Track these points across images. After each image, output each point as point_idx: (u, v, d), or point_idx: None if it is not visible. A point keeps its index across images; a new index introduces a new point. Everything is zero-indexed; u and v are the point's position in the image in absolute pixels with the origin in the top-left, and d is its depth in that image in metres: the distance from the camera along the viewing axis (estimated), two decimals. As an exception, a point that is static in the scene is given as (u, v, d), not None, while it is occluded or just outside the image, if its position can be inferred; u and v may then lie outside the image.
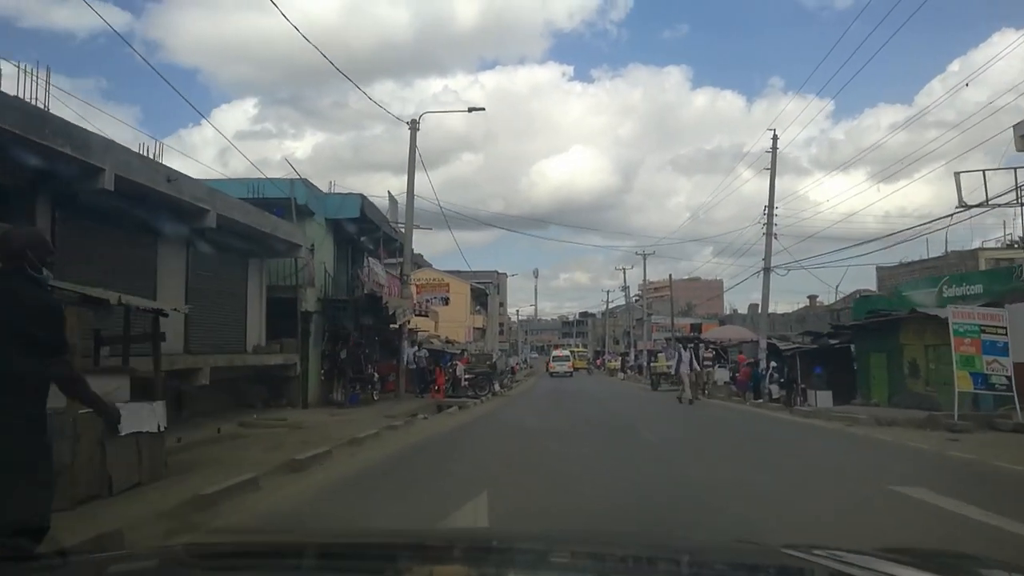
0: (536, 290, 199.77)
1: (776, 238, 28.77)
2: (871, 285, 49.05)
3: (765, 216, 28.97)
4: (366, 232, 23.69)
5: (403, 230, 24.22)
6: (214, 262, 15.13)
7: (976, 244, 33.44)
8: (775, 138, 29.15)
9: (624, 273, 73.09)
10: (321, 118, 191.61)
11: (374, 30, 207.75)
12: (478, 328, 57.54)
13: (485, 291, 65.57)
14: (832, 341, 29.78)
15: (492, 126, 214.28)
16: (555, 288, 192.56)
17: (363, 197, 21.22)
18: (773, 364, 24.94)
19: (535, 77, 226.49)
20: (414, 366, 24.65)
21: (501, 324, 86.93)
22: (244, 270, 16.89)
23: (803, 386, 26.42)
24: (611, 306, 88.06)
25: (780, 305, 65.58)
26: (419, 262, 65.95)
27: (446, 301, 38.46)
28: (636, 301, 77.66)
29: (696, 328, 63.93)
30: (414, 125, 23.13)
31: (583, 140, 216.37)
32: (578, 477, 8.03)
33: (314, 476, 8.04)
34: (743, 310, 70.12)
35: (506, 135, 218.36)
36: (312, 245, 19.81)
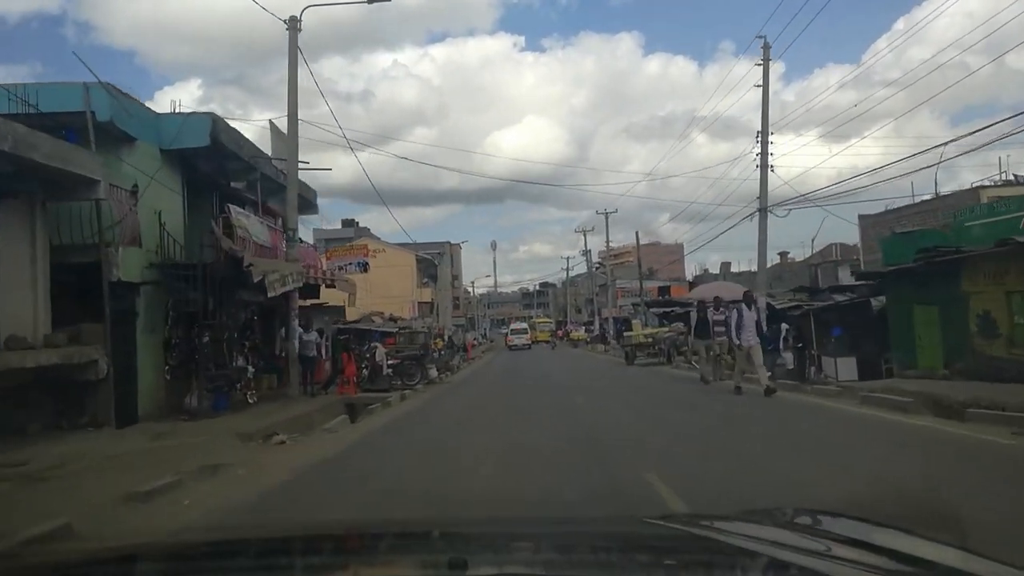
0: (495, 262, 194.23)
1: (772, 170, 23.27)
2: (849, 239, 44.28)
3: (759, 145, 23.41)
4: (238, 175, 17.45)
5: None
6: None
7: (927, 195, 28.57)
8: (766, 46, 23.51)
9: (584, 236, 67.02)
10: (268, 96, 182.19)
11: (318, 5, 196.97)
12: (425, 302, 51.38)
13: (434, 262, 59.33)
14: (838, 297, 24.68)
15: (445, 99, 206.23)
16: (515, 260, 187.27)
17: (214, 118, 14.92)
18: (786, 327, 19.49)
19: (486, 48, 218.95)
20: (313, 353, 18.51)
21: (456, 298, 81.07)
22: (-10, 218, 10.67)
23: (816, 353, 21.26)
24: (571, 274, 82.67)
25: (745, 264, 60.10)
26: (362, 234, 59.60)
27: (364, 267, 31.82)
28: (597, 269, 72.39)
29: (664, 291, 58.99)
30: (294, 24, 16.88)
31: (537, 111, 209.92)
32: None
33: None
34: (714, 270, 65.42)
35: (459, 109, 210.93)
36: (135, 186, 13.60)
